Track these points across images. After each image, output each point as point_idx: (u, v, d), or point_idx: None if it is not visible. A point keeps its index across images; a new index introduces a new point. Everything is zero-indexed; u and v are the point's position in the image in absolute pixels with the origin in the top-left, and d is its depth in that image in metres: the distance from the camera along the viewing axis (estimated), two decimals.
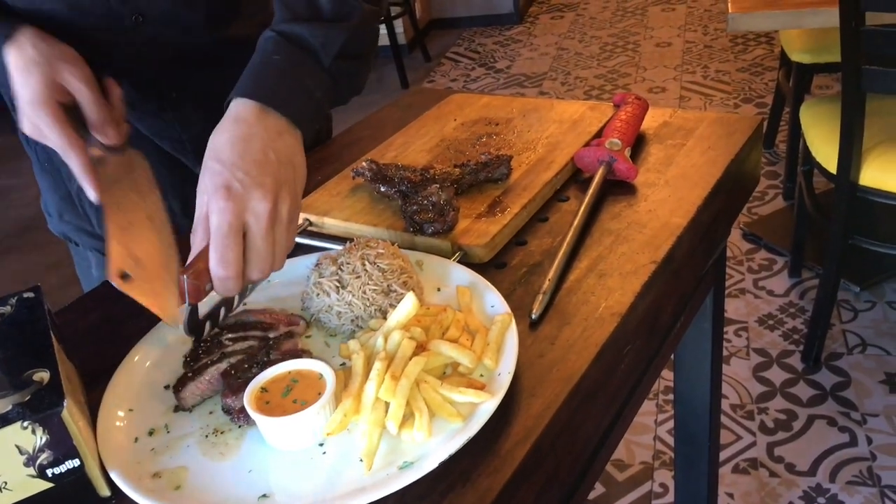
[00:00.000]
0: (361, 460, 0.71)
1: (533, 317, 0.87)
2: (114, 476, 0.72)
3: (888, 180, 2.09)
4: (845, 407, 2.25)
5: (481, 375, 0.78)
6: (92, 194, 0.94)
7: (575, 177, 1.15)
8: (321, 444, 0.74)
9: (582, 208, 1.02)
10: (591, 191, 1.06)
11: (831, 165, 2.19)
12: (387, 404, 0.73)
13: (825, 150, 2.23)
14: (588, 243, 0.99)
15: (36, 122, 0.93)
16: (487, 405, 0.73)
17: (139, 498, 0.70)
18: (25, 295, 0.84)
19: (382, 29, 5.00)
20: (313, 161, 1.32)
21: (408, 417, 0.73)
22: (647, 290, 0.91)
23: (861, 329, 2.51)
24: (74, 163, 0.93)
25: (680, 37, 5.08)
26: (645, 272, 0.92)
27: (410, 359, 0.76)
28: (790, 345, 2.50)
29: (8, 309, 0.82)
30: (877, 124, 2.17)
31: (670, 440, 2.22)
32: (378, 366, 0.75)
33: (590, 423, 0.83)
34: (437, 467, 0.69)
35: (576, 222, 1.00)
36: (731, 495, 2.04)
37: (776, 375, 2.39)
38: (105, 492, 0.73)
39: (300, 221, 1.10)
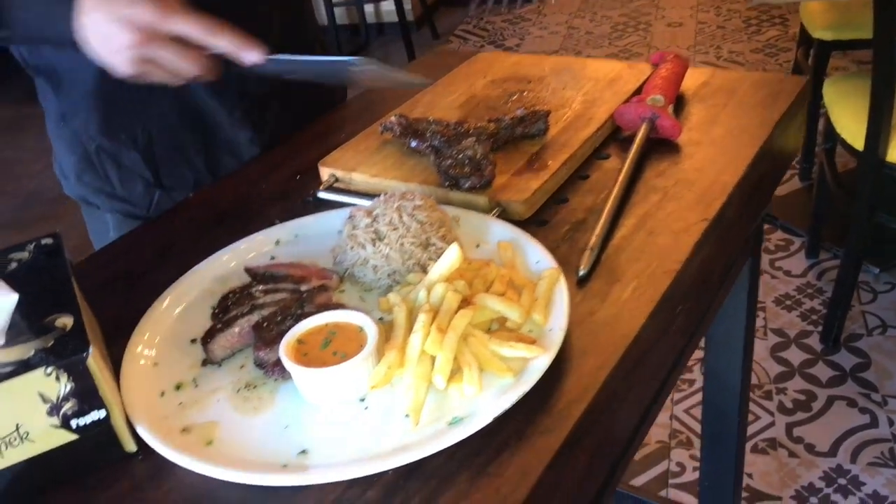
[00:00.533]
0: (407, 416, 0.67)
1: (581, 273, 0.82)
2: (140, 430, 0.68)
3: None
4: (865, 388, 2.22)
5: (530, 331, 0.74)
6: (254, 57, 0.88)
7: (614, 135, 1.10)
8: (362, 400, 0.69)
9: (627, 164, 0.97)
10: (634, 146, 1.01)
11: (858, 142, 2.13)
12: (433, 358, 0.69)
13: (851, 126, 2.18)
14: (634, 201, 0.94)
15: (151, 49, 0.86)
16: (540, 361, 0.68)
17: (169, 453, 0.65)
18: (44, 241, 0.79)
19: (390, 5, 4.93)
20: (334, 120, 1.27)
21: (454, 374, 0.69)
22: (699, 249, 0.86)
23: (881, 311, 2.47)
24: (226, 39, 0.87)
25: (692, 17, 5.01)
26: (697, 230, 0.87)
27: (456, 312, 0.72)
28: (808, 325, 2.45)
29: (25, 255, 0.77)
30: None
31: (687, 419, 2.18)
32: (423, 318, 0.70)
33: (642, 384, 0.79)
34: (490, 424, 0.64)
35: (621, 178, 0.95)
36: (749, 475, 2.00)
37: (795, 356, 2.35)
38: (132, 447, 0.68)
39: (326, 177, 1.06)
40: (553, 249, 0.86)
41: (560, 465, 0.64)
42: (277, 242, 0.92)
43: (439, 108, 1.18)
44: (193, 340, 0.79)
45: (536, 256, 0.83)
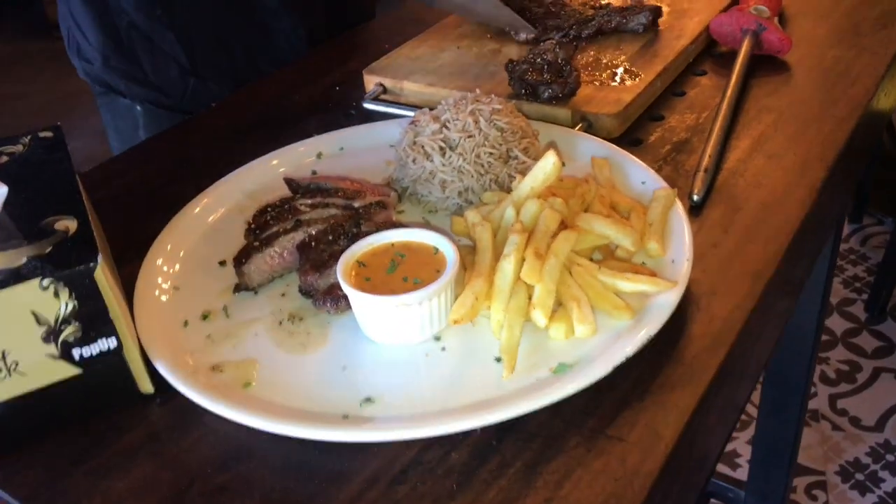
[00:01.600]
0: (498, 360, 0.52)
1: (695, 198, 0.67)
2: (160, 367, 0.53)
3: None
4: None
5: (643, 264, 0.59)
6: None
7: (709, 50, 0.94)
8: (438, 339, 0.55)
9: (732, 80, 0.82)
10: (739, 61, 0.85)
11: None
12: (529, 289, 0.54)
13: None
14: (744, 121, 0.79)
15: None
16: (667, 297, 0.54)
17: (196, 396, 0.51)
18: (42, 134, 0.64)
19: None
20: (376, 30, 1.11)
21: (554, 311, 0.54)
22: (832, 176, 0.71)
23: None
24: None
25: None
26: (829, 154, 0.72)
27: (556, 235, 0.57)
28: (852, 293, 2.32)
29: (20, 148, 0.62)
30: None
31: None
32: (515, 239, 0.56)
33: (773, 324, 0.65)
34: (606, 375, 0.50)
35: (729, 92, 0.80)
36: None
37: (837, 324, 2.22)
38: (148, 387, 0.54)
39: (372, 87, 0.90)
40: (654, 171, 0.72)
41: (695, 428, 0.50)
42: (320, 155, 0.77)
43: None
44: (222, 263, 0.65)
45: (641, 176, 0.68)
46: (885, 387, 2.02)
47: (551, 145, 0.69)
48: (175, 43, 1.00)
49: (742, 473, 1.73)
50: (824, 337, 2.18)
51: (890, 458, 1.84)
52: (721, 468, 1.85)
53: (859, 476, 1.81)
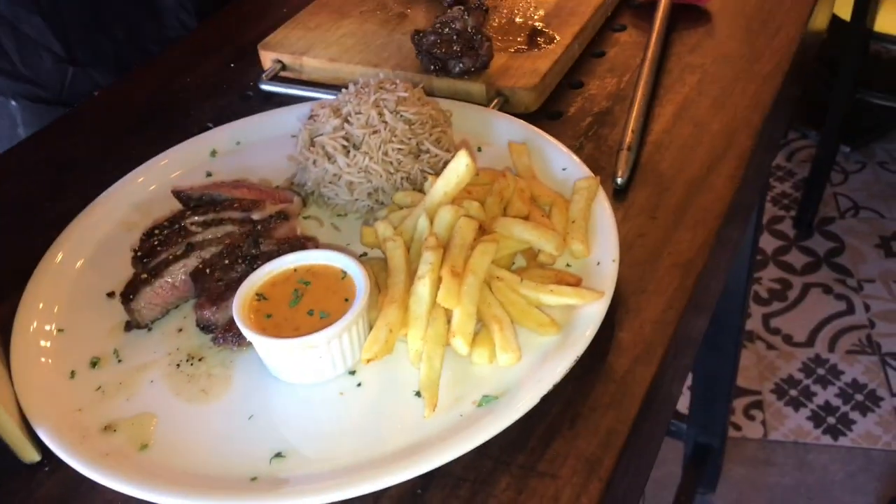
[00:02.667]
0: (417, 395, 0.48)
1: (619, 182, 0.63)
2: (43, 434, 0.48)
3: None
4: (841, 274, 2.14)
5: (568, 266, 0.56)
6: None
7: (626, 1, 0.89)
8: (353, 374, 0.51)
9: (653, 37, 0.77)
10: (659, 14, 0.80)
11: (844, 12, 1.96)
12: (448, 314, 0.50)
13: None
14: (667, 83, 0.75)
15: None
16: (593, 308, 0.50)
17: (85, 467, 0.46)
18: None
19: None
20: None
21: (477, 331, 0.50)
22: (760, 141, 0.68)
23: (852, 192, 2.38)
24: None
25: None
26: (756, 119, 0.69)
27: (472, 246, 0.52)
28: (780, 210, 2.35)
29: None
30: None
31: None
32: (430, 258, 0.51)
33: (703, 317, 0.62)
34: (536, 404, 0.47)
35: (649, 54, 0.75)
36: None
37: (768, 243, 2.25)
38: (33, 455, 0.48)
39: (269, 64, 0.83)
40: (575, 150, 0.67)
41: (632, 448, 0.48)
42: (214, 153, 0.70)
43: None
44: (111, 294, 0.58)
45: (561, 161, 0.63)
46: (814, 302, 2.08)
47: (463, 144, 0.64)
48: (44, 28, 0.90)
49: (684, 403, 1.77)
50: (756, 257, 2.21)
51: (820, 371, 1.90)
52: None
53: (793, 392, 1.87)
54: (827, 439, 1.77)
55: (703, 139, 0.67)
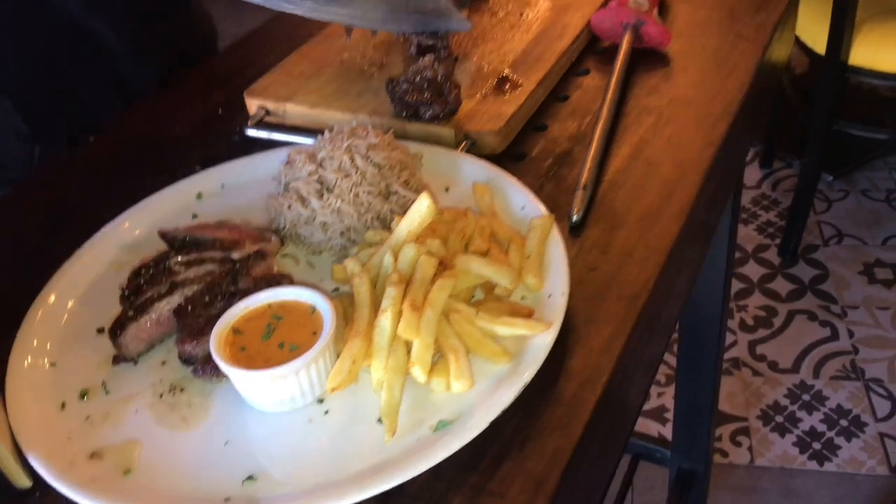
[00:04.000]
0: (380, 421, 0.52)
1: (574, 219, 0.68)
2: (34, 462, 0.52)
3: (880, 58, 1.94)
4: (825, 300, 2.18)
5: (523, 298, 0.60)
6: None
7: (591, 47, 0.94)
8: (321, 402, 0.55)
9: (612, 81, 0.82)
10: (619, 60, 0.85)
11: (819, 45, 2.02)
12: (408, 345, 0.54)
13: (813, 28, 2.06)
14: (625, 124, 0.79)
15: None
16: (542, 338, 0.55)
17: (72, 492, 0.50)
18: None
19: None
20: (260, 39, 1.07)
21: (436, 361, 0.55)
22: (709, 180, 0.73)
23: (836, 219, 2.43)
24: None
25: None
26: (704, 159, 0.73)
27: (433, 281, 0.57)
28: (766, 238, 2.40)
29: None
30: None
31: None
32: (392, 292, 0.55)
33: (652, 346, 0.66)
34: (486, 428, 0.51)
35: (608, 97, 0.80)
36: None
37: (753, 271, 2.30)
38: (24, 481, 0.52)
39: (254, 110, 0.88)
40: (537, 189, 0.72)
41: (577, 465, 0.52)
42: (199, 196, 0.75)
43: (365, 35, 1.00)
44: (101, 330, 0.63)
45: (521, 200, 0.68)
46: (799, 328, 2.11)
47: (425, 187, 0.68)
48: (8, 107, 0.92)
49: (671, 430, 1.80)
50: (742, 285, 2.26)
51: (806, 397, 1.94)
52: (651, 425, 1.92)
53: (779, 418, 1.90)
54: (813, 465, 1.79)
55: (654, 178, 0.72)
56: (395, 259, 0.59)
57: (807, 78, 2.52)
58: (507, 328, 0.55)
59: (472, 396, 0.53)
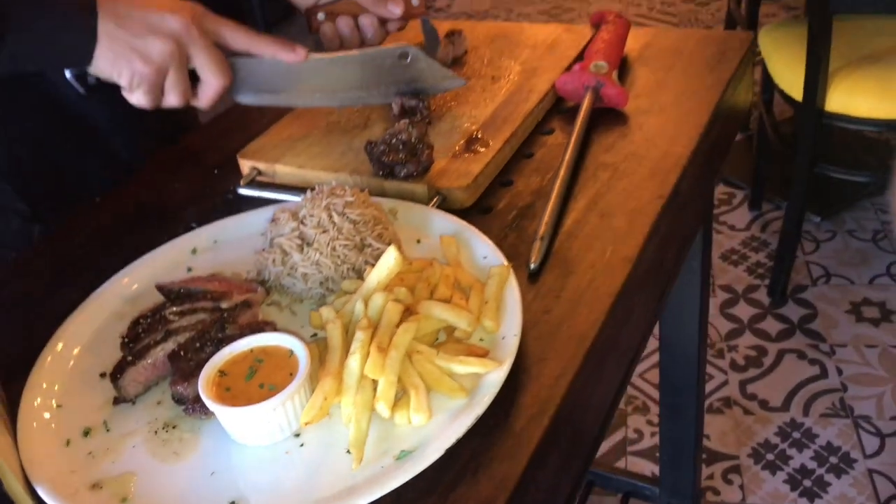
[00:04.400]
0: (349, 452, 0.59)
1: (532, 267, 0.75)
2: (41, 491, 0.58)
3: (855, 105, 2.02)
4: (814, 339, 2.23)
5: (481, 340, 0.67)
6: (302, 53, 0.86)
7: (557, 106, 1.02)
8: (297, 436, 0.61)
9: (572, 140, 0.90)
10: (579, 120, 0.93)
11: (796, 92, 2.11)
12: (375, 382, 0.61)
13: (789, 76, 2.15)
14: (583, 179, 0.87)
15: (193, 38, 0.80)
16: (494, 375, 0.61)
17: None
18: None
19: None
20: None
21: (400, 397, 0.61)
22: (656, 229, 0.80)
23: (824, 259, 2.48)
24: (267, 40, 0.84)
25: None
26: (652, 209, 0.81)
27: (398, 325, 0.64)
28: (755, 279, 2.45)
29: None
30: (842, 46, 2.10)
31: (642, 385, 2.16)
32: (360, 336, 0.62)
33: (605, 385, 0.73)
34: (442, 455, 0.57)
35: (567, 156, 0.88)
36: (706, 437, 1.99)
37: (744, 312, 2.35)
38: None
39: (247, 171, 0.96)
40: (500, 239, 0.79)
41: (523, 492, 0.58)
42: (194, 251, 0.83)
43: None
44: (103, 374, 0.70)
45: (483, 251, 0.75)
46: (788, 367, 2.16)
47: (397, 240, 0.75)
48: (9, 191, 0.98)
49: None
50: (733, 325, 2.31)
51: (796, 435, 1.97)
52: (645, 465, 1.96)
53: (769, 456, 1.93)
54: (804, 502, 1.82)
55: (607, 228, 0.79)
56: (366, 306, 0.66)
57: (789, 123, 2.61)
58: (463, 366, 0.61)
59: (431, 428, 0.59)
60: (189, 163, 1.03)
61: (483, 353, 0.64)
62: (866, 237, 2.54)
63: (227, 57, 0.84)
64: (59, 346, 0.71)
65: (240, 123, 1.09)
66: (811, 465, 1.90)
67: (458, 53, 1.12)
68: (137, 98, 0.82)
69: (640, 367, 2.21)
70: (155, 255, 0.81)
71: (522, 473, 0.57)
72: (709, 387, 2.13)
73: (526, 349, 0.66)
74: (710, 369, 2.18)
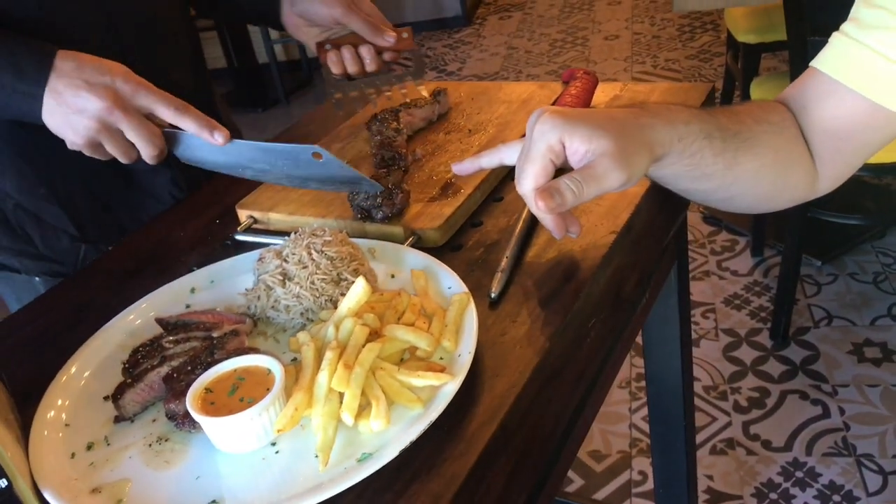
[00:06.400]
0: (317, 456, 0.66)
1: (492, 296, 0.83)
2: (47, 495, 0.66)
3: None
4: (816, 380, 2.25)
5: (441, 359, 0.74)
6: (220, 138, 0.94)
7: None
8: (273, 444, 0.69)
9: None
10: None
11: None
12: (341, 395, 0.69)
13: None
14: None
15: (118, 117, 0.92)
16: (448, 387, 0.69)
17: None
18: None
19: None
20: None
21: (365, 408, 0.69)
22: (608, 260, 0.87)
23: (826, 302, 2.52)
24: (192, 118, 0.93)
25: (628, 29, 5.11)
26: (605, 243, 0.88)
27: (364, 346, 0.72)
28: (758, 323, 2.50)
29: None
30: None
31: (646, 427, 2.20)
32: (329, 355, 0.70)
33: (558, 400, 0.79)
34: (399, 456, 0.64)
35: None
36: (710, 477, 2.02)
37: (746, 354, 2.39)
38: None
39: (244, 219, 1.05)
40: (468, 274, 0.87)
41: (472, 489, 0.64)
42: (193, 290, 0.92)
43: (360, 140, 1.19)
44: (107, 398, 0.78)
45: (448, 282, 0.83)
46: (791, 408, 2.18)
47: (364, 272, 0.84)
48: (62, 215, 1.13)
49: None
50: (736, 368, 2.35)
51: (799, 474, 1.99)
52: None
53: (773, 495, 1.95)
54: None
55: (563, 262, 0.87)
56: (337, 330, 0.74)
57: None
58: (421, 380, 0.69)
59: (391, 434, 0.67)
60: (193, 215, 1.13)
61: (441, 370, 0.71)
62: (867, 279, 2.58)
63: (164, 127, 0.96)
64: (73, 369, 0.80)
65: (238, 181, 1.19)
66: (814, 503, 1.91)
67: (442, 111, 1.23)
68: (89, 155, 0.96)
69: (643, 411, 2.25)
70: (157, 294, 0.90)
71: (470, 472, 0.64)
72: (712, 428, 2.16)
73: (482, 366, 0.74)
74: (712, 411, 2.21)
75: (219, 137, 0.93)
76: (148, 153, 0.95)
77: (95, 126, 0.92)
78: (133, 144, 0.95)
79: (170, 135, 0.97)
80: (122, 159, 0.96)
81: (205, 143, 0.95)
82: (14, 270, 1.17)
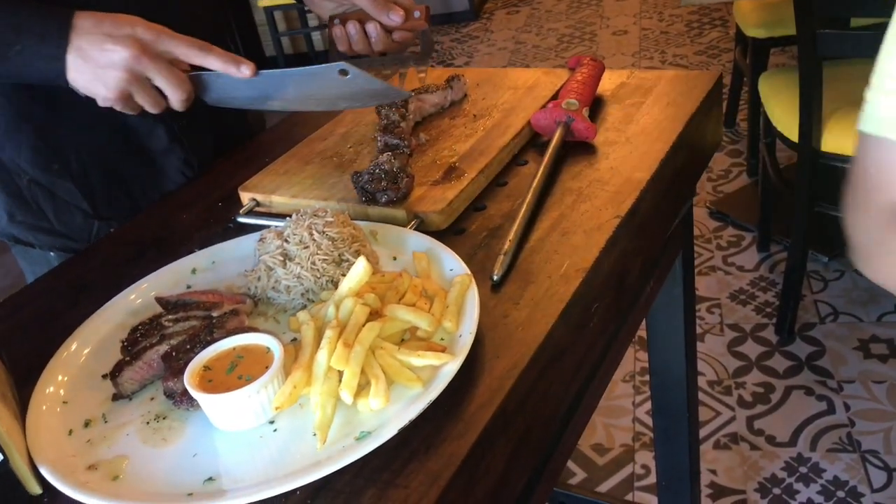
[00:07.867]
0: (315, 434, 0.66)
1: (494, 278, 0.82)
2: (43, 471, 0.66)
3: (849, 145, 2.08)
4: (821, 376, 2.24)
5: (442, 339, 0.73)
6: (247, 70, 0.94)
7: (533, 141, 1.10)
8: (272, 422, 0.68)
9: (540, 169, 0.98)
10: (549, 151, 1.01)
11: (793, 134, 2.17)
12: (340, 374, 0.68)
13: (786, 119, 2.22)
14: (549, 203, 0.94)
15: (145, 65, 0.91)
16: (448, 367, 0.68)
17: (71, 491, 0.64)
18: None
19: None
20: (259, 146, 1.26)
21: (364, 386, 0.68)
22: (612, 245, 0.86)
23: (832, 298, 2.50)
24: (216, 56, 0.94)
25: (636, 24, 5.09)
26: (609, 227, 0.87)
27: (364, 325, 0.71)
28: (763, 318, 2.48)
29: None
30: (835, 90, 2.16)
31: (649, 421, 2.19)
32: (329, 334, 0.69)
33: (559, 384, 0.79)
34: (397, 435, 0.64)
35: (535, 183, 0.95)
36: (713, 472, 2.00)
37: (751, 349, 2.37)
38: (36, 489, 0.66)
39: (246, 202, 1.05)
40: (471, 257, 0.87)
41: (471, 470, 0.64)
42: (194, 271, 0.91)
43: (363, 124, 1.18)
44: (105, 376, 0.77)
45: (451, 265, 0.82)
46: (796, 403, 2.17)
47: (366, 253, 0.83)
48: (75, 191, 1.12)
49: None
50: (740, 363, 2.33)
51: (803, 469, 1.98)
52: (651, 499, 1.97)
53: (776, 490, 1.94)
54: None
55: (566, 244, 0.86)
56: (337, 310, 0.73)
57: (794, 166, 2.66)
58: (420, 359, 0.68)
59: (390, 413, 0.66)
60: (196, 198, 1.12)
61: (441, 350, 0.71)
62: None
63: (190, 71, 0.96)
64: (73, 346, 0.80)
65: (242, 163, 1.19)
66: (818, 499, 1.90)
67: (456, 97, 1.21)
68: (121, 109, 0.95)
69: (647, 405, 2.24)
70: (158, 274, 0.90)
71: (469, 452, 0.63)
72: (716, 423, 2.15)
73: (484, 348, 0.73)
74: (717, 406, 2.20)
75: (245, 70, 0.94)
76: (177, 98, 0.95)
77: (125, 76, 0.91)
78: (161, 93, 0.95)
79: (195, 77, 0.97)
80: (152, 108, 0.96)
81: (230, 80, 0.95)
82: (29, 244, 1.17)
